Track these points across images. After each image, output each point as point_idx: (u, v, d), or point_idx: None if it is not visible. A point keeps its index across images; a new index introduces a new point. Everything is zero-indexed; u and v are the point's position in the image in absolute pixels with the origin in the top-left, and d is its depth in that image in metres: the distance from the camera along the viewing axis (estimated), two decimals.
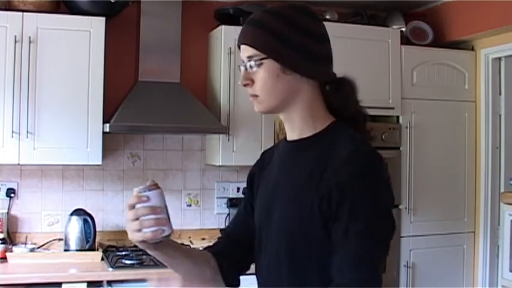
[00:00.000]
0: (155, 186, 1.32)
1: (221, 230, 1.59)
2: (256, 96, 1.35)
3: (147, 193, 1.30)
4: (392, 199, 1.32)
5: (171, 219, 1.33)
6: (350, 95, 1.40)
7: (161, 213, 1.30)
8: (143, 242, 1.30)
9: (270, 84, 1.33)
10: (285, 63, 1.31)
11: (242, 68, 1.36)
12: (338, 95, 1.38)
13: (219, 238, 1.59)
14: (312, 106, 1.36)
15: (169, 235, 1.32)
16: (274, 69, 1.32)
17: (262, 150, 1.59)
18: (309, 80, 1.35)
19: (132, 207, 1.29)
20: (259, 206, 1.46)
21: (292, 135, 1.40)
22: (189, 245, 3.63)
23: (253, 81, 1.34)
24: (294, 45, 1.31)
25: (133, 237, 1.30)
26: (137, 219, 1.28)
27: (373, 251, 1.24)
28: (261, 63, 1.32)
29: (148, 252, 1.36)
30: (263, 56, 1.31)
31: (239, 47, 1.37)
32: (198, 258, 1.45)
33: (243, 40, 1.35)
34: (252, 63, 1.33)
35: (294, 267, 1.32)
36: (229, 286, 1.48)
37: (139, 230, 1.28)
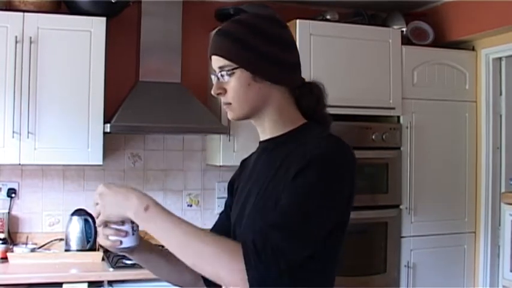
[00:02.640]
0: None
1: None
2: (229, 104, 1.39)
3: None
4: (349, 188, 1.30)
5: (137, 232, 1.37)
6: (320, 98, 1.44)
7: (124, 225, 1.34)
8: (113, 249, 1.37)
9: (241, 93, 1.37)
10: (255, 72, 1.35)
11: (214, 78, 1.40)
12: (308, 98, 1.42)
13: None
14: (282, 110, 1.41)
15: (129, 248, 1.37)
16: (245, 78, 1.36)
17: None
18: (279, 86, 1.39)
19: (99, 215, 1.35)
20: (235, 205, 1.49)
21: (263, 136, 1.45)
22: None
23: (225, 90, 1.38)
24: (263, 54, 1.35)
25: (99, 241, 1.38)
26: (105, 226, 1.34)
27: (291, 220, 1.22)
28: (233, 73, 1.36)
29: (135, 259, 1.45)
30: (234, 66, 1.35)
31: (210, 58, 1.41)
32: (177, 261, 1.42)
33: (213, 51, 1.39)
34: (224, 73, 1.37)
35: None
36: (209, 286, 1.49)
37: (106, 237, 1.35)
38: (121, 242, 1.35)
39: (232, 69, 1.35)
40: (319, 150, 1.28)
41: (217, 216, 1.59)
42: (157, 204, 1.31)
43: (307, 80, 1.46)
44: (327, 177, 1.25)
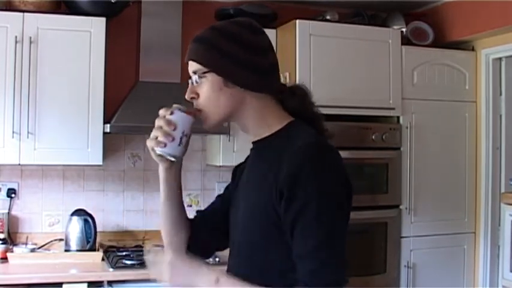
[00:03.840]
0: (189, 112, 1.40)
1: (197, 211, 1.66)
2: (200, 111, 1.42)
3: (176, 111, 1.39)
4: (345, 189, 1.33)
5: (183, 146, 1.41)
6: (304, 97, 1.46)
7: (175, 130, 1.38)
8: (153, 150, 1.40)
9: (213, 97, 1.39)
10: (226, 77, 1.37)
11: (190, 83, 1.43)
12: (291, 100, 1.44)
13: (194, 217, 1.64)
14: (263, 113, 1.43)
15: (169, 155, 1.40)
16: (217, 82, 1.38)
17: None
18: (253, 93, 1.40)
19: (161, 118, 1.40)
20: (231, 207, 1.53)
21: (251, 138, 1.48)
22: None
23: (198, 95, 1.41)
24: (235, 59, 1.37)
25: (147, 142, 1.41)
26: (158, 128, 1.39)
27: (328, 235, 1.26)
28: (204, 77, 1.39)
29: (162, 168, 1.48)
30: (205, 69, 1.38)
31: (187, 64, 1.44)
32: (184, 214, 1.56)
33: (188, 56, 1.43)
34: (196, 77, 1.40)
35: (252, 263, 1.38)
36: None
37: (155, 138, 1.38)
38: (165, 145, 1.38)
39: (204, 73, 1.38)
40: (305, 167, 1.27)
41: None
42: (225, 274, 1.38)
43: (291, 83, 1.49)
44: (324, 192, 1.27)
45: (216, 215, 1.61)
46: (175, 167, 1.49)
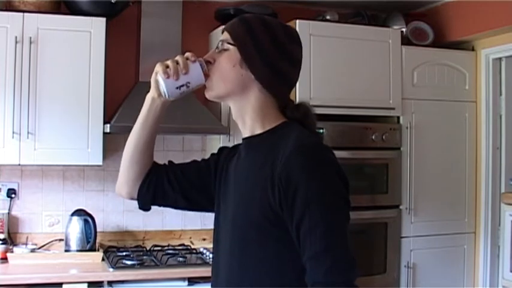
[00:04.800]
0: (206, 74, 1.43)
1: (169, 161, 1.68)
2: (209, 76, 1.44)
3: (198, 65, 1.43)
4: (343, 183, 1.34)
5: (182, 91, 1.45)
6: (306, 114, 1.47)
7: (183, 74, 1.42)
8: (156, 74, 1.45)
9: (224, 69, 1.43)
10: (245, 58, 1.41)
11: (214, 48, 1.48)
12: (293, 112, 1.46)
13: (164, 164, 1.66)
14: (262, 110, 1.44)
15: (164, 89, 1.44)
16: (234, 58, 1.42)
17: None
18: (262, 88, 1.43)
19: (182, 57, 1.44)
20: (218, 201, 1.54)
21: (244, 132, 1.49)
22: (189, 245, 3.64)
23: (214, 61, 1.45)
24: (262, 50, 1.40)
25: (157, 65, 1.45)
26: (174, 61, 1.43)
27: (335, 233, 1.27)
28: (227, 49, 1.43)
29: (150, 94, 1.52)
30: (231, 42, 1.43)
31: (222, 33, 1.48)
32: (149, 152, 1.60)
33: (225, 27, 1.48)
34: (220, 44, 1.45)
35: (244, 257, 1.39)
36: (138, 200, 1.62)
37: (166, 67, 1.43)
38: (168, 76, 1.43)
39: (228, 43, 1.43)
40: (302, 169, 1.29)
41: (215, 216, 1.60)
42: None
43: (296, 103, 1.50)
44: (327, 191, 1.29)
45: (185, 176, 1.60)
46: (162, 104, 1.52)
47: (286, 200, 1.29)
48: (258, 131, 1.45)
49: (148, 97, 1.53)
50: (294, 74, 1.46)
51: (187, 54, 1.45)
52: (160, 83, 1.45)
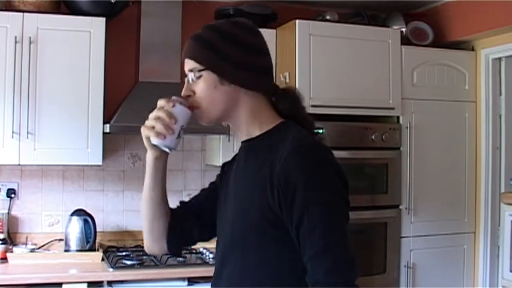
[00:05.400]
0: (190, 107, 1.41)
1: (180, 202, 1.69)
2: (197, 107, 1.43)
3: (178, 104, 1.40)
4: (343, 183, 1.35)
5: (179, 140, 1.42)
6: (296, 101, 1.48)
7: (175, 124, 1.39)
8: (147, 138, 1.43)
9: (208, 95, 1.41)
10: (221, 74, 1.40)
11: (186, 81, 1.45)
12: (283, 102, 1.46)
13: (177, 207, 1.66)
14: (255, 113, 1.45)
15: (166, 146, 1.42)
16: (212, 80, 1.40)
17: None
18: (248, 91, 1.43)
19: (161, 108, 1.41)
20: (219, 205, 1.55)
21: (242, 136, 1.49)
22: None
23: (194, 93, 1.43)
24: (230, 57, 1.40)
25: (142, 130, 1.44)
26: (157, 118, 1.40)
27: (334, 233, 1.28)
28: (200, 75, 1.41)
29: (148, 150, 1.49)
30: (201, 67, 1.41)
31: (183, 62, 1.46)
32: (166, 204, 1.59)
33: (184, 54, 1.45)
34: (192, 75, 1.43)
35: (244, 258, 1.39)
36: (170, 251, 1.61)
37: (152, 128, 1.40)
38: (164, 137, 1.40)
39: (199, 70, 1.41)
40: (304, 167, 1.29)
41: (217, 217, 1.61)
42: None
43: (283, 86, 1.51)
44: (326, 192, 1.29)
45: (199, 206, 1.63)
46: (165, 155, 1.51)
47: (286, 201, 1.29)
48: (256, 133, 1.45)
49: (151, 159, 1.51)
50: (266, 62, 1.46)
51: (161, 102, 1.42)
52: (161, 145, 1.42)
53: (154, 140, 1.41)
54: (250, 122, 1.44)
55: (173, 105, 1.40)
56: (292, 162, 1.30)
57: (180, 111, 1.40)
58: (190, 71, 1.43)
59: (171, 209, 1.62)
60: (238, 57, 1.40)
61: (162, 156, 1.50)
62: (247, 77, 1.41)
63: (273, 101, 1.47)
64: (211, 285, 1.53)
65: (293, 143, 1.33)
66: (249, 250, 1.38)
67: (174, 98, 1.42)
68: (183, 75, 3.94)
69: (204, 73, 1.41)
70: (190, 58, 1.43)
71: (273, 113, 1.46)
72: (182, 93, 1.45)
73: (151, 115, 1.41)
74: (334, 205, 1.29)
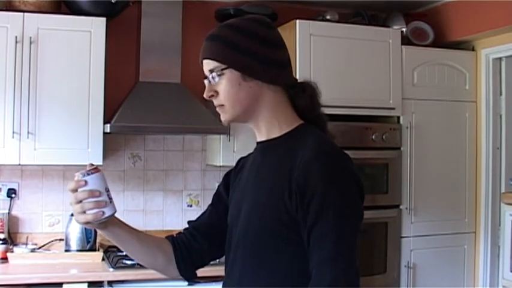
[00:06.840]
0: (94, 170, 1.38)
1: (188, 222, 1.67)
2: (222, 105, 1.42)
3: (86, 177, 1.37)
4: (360, 195, 1.34)
5: (113, 200, 1.40)
6: (313, 96, 1.47)
7: (100, 196, 1.37)
8: (88, 223, 1.39)
9: (233, 93, 1.40)
10: (244, 71, 1.39)
11: (206, 82, 1.43)
12: (302, 97, 1.45)
13: (184, 229, 1.64)
14: (276, 110, 1.43)
15: (110, 216, 1.40)
16: (235, 78, 1.39)
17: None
18: (270, 86, 1.42)
19: (74, 191, 1.37)
20: (232, 205, 1.52)
21: (260, 136, 1.47)
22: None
23: (217, 93, 1.42)
24: (250, 53, 1.38)
25: (78, 219, 1.39)
26: (80, 202, 1.37)
27: (345, 243, 1.27)
28: (222, 74, 1.39)
29: (98, 231, 1.47)
30: (223, 66, 1.39)
31: (201, 63, 1.44)
32: (150, 242, 1.56)
33: (203, 55, 1.43)
34: (214, 75, 1.40)
35: (258, 260, 1.37)
36: (183, 276, 1.57)
37: (83, 212, 1.37)
38: (103, 213, 1.38)
39: (222, 69, 1.39)
40: (320, 177, 1.28)
41: (228, 218, 1.60)
42: None
43: (300, 80, 1.49)
44: (341, 203, 1.28)
45: (207, 225, 1.60)
46: (117, 221, 1.48)
47: (302, 205, 1.28)
48: (275, 135, 1.43)
49: (106, 233, 1.48)
50: (285, 54, 1.46)
51: (71, 186, 1.38)
52: (105, 219, 1.39)
53: (96, 221, 1.38)
54: (270, 120, 1.43)
55: (85, 183, 1.36)
56: (313, 168, 1.28)
57: (94, 180, 1.37)
58: (211, 71, 1.41)
59: (174, 237, 1.60)
60: (259, 52, 1.39)
61: (113, 223, 1.47)
62: (269, 71, 1.40)
63: (292, 95, 1.45)
64: (223, 285, 1.51)
65: (314, 149, 1.32)
66: (261, 252, 1.37)
67: (77, 174, 1.38)
68: (183, 75, 3.93)
69: (226, 71, 1.39)
70: (210, 58, 1.41)
71: (292, 112, 1.45)
72: (204, 95, 1.43)
73: (73, 201, 1.37)
74: (349, 216, 1.29)
